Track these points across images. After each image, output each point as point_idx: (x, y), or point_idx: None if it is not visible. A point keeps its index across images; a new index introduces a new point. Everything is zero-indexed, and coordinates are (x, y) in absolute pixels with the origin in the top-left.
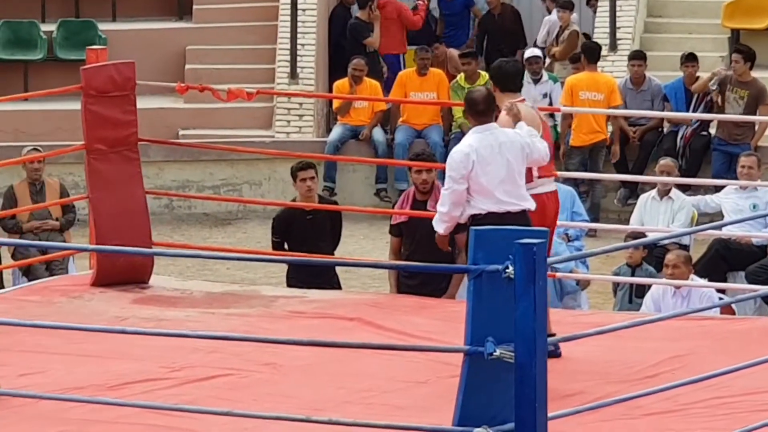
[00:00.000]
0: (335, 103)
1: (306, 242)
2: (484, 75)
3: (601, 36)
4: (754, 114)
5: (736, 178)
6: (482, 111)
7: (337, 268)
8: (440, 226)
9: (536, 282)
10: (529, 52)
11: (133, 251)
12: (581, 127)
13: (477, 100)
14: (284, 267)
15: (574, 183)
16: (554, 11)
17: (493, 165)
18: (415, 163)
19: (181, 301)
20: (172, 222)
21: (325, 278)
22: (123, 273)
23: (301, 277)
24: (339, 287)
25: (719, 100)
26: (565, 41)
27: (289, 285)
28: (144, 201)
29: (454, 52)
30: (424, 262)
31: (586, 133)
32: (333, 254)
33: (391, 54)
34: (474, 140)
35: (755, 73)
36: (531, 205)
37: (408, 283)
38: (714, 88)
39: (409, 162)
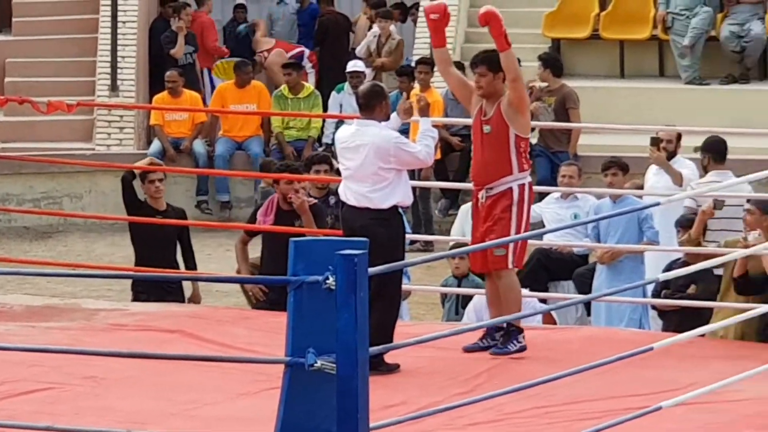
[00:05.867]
0: (152, 120)
1: (154, 244)
2: (309, 87)
3: (421, 47)
4: (567, 119)
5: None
6: (360, 105)
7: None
8: None
9: (357, 293)
10: (351, 65)
11: None
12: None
13: (358, 93)
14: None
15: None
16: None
17: (347, 157)
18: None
19: (0, 315)
20: None
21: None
22: None
23: (147, 288)
24: (184, 299)
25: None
26: (392, 52)
27: (136, 297)
28: None
29: (274, 60)
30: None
31: None
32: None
33: (204, 68)
34: (345, 130)
35: (576, 83)
36: (374, 204)
37: (272, 297)
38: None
39: (230, 172)
